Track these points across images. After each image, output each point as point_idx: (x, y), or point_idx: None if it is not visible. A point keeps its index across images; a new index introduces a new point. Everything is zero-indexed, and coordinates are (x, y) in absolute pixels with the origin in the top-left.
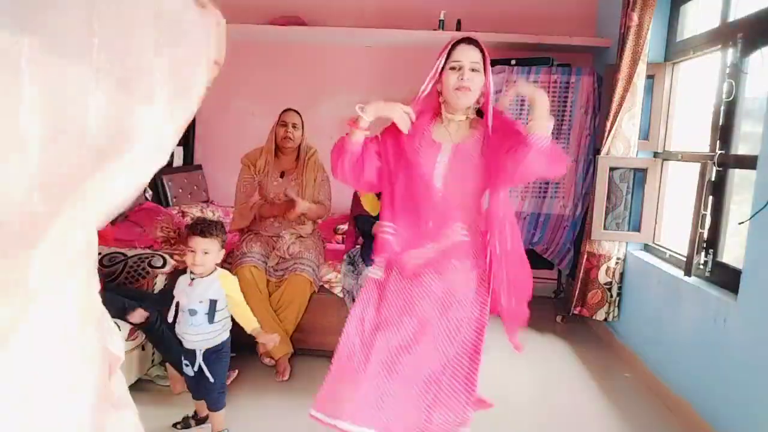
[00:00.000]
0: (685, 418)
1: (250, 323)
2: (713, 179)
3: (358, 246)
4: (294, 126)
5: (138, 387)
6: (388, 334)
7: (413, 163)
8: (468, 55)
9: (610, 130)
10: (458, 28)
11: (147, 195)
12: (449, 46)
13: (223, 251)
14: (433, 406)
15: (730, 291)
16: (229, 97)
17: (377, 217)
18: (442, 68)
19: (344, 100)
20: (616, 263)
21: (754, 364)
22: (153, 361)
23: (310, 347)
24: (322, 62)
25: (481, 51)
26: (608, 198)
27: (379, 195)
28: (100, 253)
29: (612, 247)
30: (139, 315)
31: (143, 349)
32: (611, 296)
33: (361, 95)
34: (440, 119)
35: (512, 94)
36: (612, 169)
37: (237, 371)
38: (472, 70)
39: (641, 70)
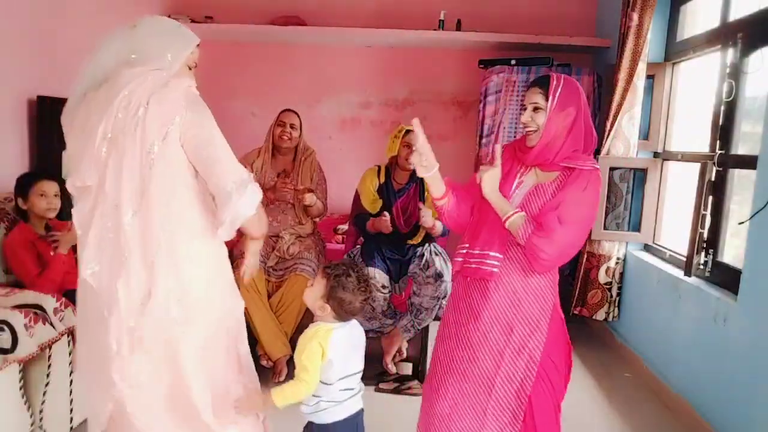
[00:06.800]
0: (685, 418)
1: None
2: (713, 179)
3: (358, 246)
4: (292, 126)
5: None
6: None
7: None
8: (529, 97)
9: (610, 130)
10: (458, 28)
11: None
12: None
13: None
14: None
15: (730, 291)
16: (229, 97)
17: (375, 215)
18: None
19: (344, 100)
20: (616, 263)
21: (754, 364)
22: None
23: None
24: (322, 62)
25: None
26: (608, 198)
27: (380, 193)
28: None
29: (612, 247)
30: None
31: None
32: (611, 296)
33: (361, 95)
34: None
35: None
36: (612, 169)
37: None
38: (535, 110)
39: (641, 70)
